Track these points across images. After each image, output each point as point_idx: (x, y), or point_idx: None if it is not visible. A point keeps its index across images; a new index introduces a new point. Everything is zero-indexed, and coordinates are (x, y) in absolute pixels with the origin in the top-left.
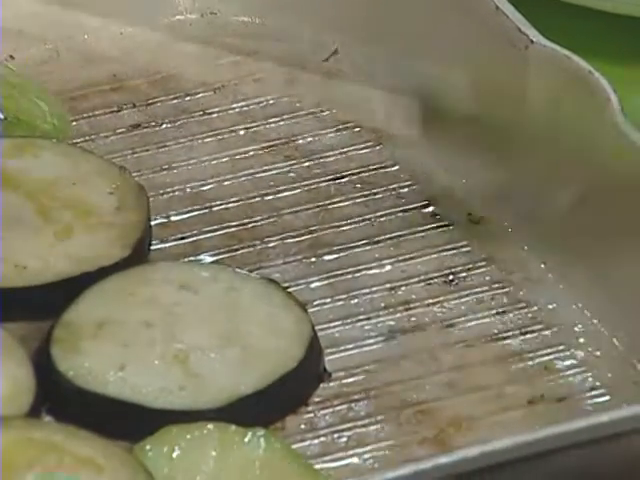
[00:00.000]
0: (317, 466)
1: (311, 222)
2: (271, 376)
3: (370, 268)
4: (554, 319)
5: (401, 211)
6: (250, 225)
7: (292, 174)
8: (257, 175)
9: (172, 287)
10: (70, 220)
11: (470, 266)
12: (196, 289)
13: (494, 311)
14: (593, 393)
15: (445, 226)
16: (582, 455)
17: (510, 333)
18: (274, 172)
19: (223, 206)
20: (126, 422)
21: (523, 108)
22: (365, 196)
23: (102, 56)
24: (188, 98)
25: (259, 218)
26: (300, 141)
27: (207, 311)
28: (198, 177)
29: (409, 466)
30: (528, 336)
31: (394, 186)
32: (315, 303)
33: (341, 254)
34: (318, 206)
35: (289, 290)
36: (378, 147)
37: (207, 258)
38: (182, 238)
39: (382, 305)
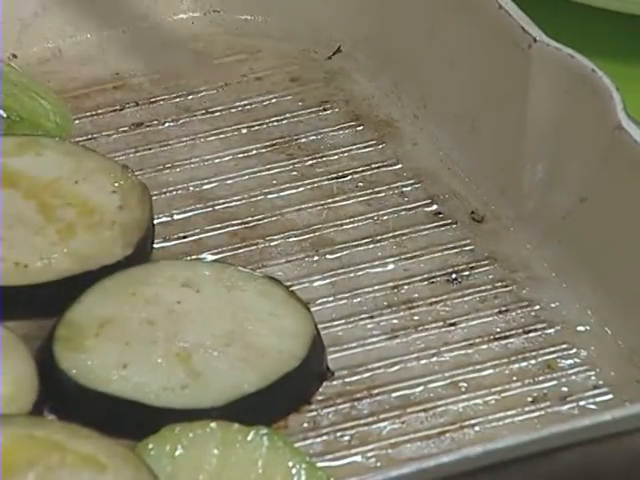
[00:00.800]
0: (320, 464)
1: (314, 220)
2: (274, 375)
3: (373, 267)
4: (557, 318)
5: (404, 209)
6: (253, 223)
7: (295, 172)
8: (260, 173)
9: (175, 285)
10: (72, 219)
11: (473, 265)
12: (199, 287)
13: (497, 310)
14: (596, 392)
15: (448, 224)
16: (585, 453)
17: (513, 332)
18: (277, 170)
19: (226, 205)
20: (128, 421)
21: (526, 107)
22: (368, 194)
23: (104, 55)
24: (191, 97)
25: (262, 216)
26: (303, 139)
27: (210, 310)
28: (201, 176)
29: (412, 465)
30: (531, 335)
31: (397, 184)
32: (318, 302)
33: (344, 252)
34: (321, 204)
35: (292, 289)
36: (381, 145)
37: (210, 257)
38: (185, 237)
39: (385, 304)
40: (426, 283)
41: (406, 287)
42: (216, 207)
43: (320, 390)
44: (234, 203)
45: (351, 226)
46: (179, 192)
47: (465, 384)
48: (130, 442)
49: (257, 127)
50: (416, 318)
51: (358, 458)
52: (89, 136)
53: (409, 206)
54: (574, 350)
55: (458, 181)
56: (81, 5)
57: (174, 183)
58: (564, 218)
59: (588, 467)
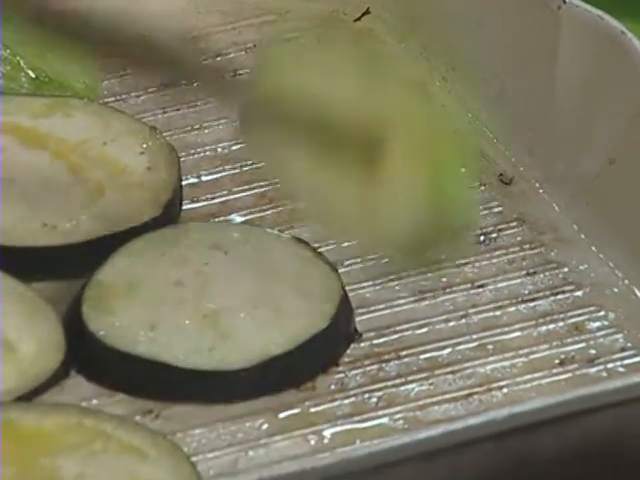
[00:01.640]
0: (348, 426)
1: None
2: (301, 336)
3: None
4: (585, 280)
5: None
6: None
7: None
8: None
9: (203, 247)
10: (101, 180)
11: (501, 226)
12: (226, 249)
13: (525, 272)
14: (624, 354)
15: (476, 186)
16: (613, 416)
17: (541, 294)
18: None
19: (253, 166)
20: (156, 382)
21: (555, 68)
22: None
23: (134, 16)
24: (219, 58)
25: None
26: None
27: (237, 271)
28: (229, 137)
29: (440, 427)
30: (559, 297)
31: None
32: (346, 263)
33: None
34: None
35: (319, 250)
36: None
37: (238, 218)
38: (213, 198)
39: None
40: None
41: None
42: (244, 168)
43: (348, 352)
44: (262, 164)
45: None
46: (207, 153)
47: (493, 346)
48: (157, 403)
49: None
50: (444, 280)
51: (385, 420)
52: (117, 97)
53: None
54: (602, 312)
55: (486, 143)
56: None
57: (202, 144)
58: (593, 180)
59: (616, 429)
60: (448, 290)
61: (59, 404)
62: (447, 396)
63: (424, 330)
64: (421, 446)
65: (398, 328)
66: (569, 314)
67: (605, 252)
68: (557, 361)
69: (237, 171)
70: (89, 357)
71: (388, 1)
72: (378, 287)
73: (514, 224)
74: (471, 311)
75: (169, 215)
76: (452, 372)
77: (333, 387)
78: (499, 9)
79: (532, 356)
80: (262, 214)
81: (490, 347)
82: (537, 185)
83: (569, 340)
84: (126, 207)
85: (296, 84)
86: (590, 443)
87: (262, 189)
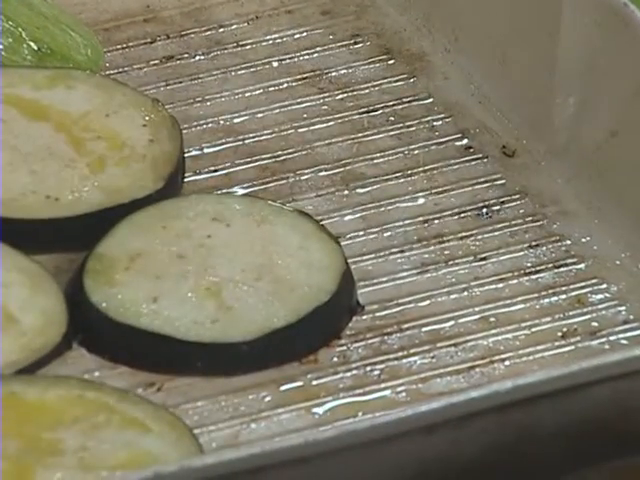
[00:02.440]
0: (350, 399)
1: (344, 155)
2: (303, 309)
3: (403, 201)
4: (588, 252)
5: (435, 144)
6: (283, 157)
7: (325, 106)
8: (290, 107)
9: (205, 219)
10: (103, 152)
11: (504, 199)
12: (229, 222)
13: (527, 244)
14: (626, 327)
15: (479, 159)
16: (615, 388)
17: (543, 266)
18: (307, 104)
19: (256, 138)
20: (158, 354)
21: (557, 40)
22: (398, 129)
23: None
24: (222, 30)
25: (292, 150)
26: (334, 73)
27: (240, 244)
28: (231, 109)
29: (442, 399)
30: (561, 269)
31: (428, 119)
32: (348, 236)
33: (374, 187)
34: (351, 139)
35: (322, 223)
36: (412, 79)
37: (240, 190)
38: (215, 170)
39: (415, 238)
40: (456, 217)
41: (436, 221)
42: (246, 141)
43: (350, 325)
44: (264, 137)
45: (381, 160)
46: (209, 126)
47: (495, 319)
48: (159, 376)
49: (288, 60)
50: (446, 252)
51: (388, 392)
52: (120, 69)
53: (440, 140)
54: (604, 285)
55: (489, 115)
56: None
57: (205, 116)
58: (595, 152)
59: (618, 402)
60: (450, 263)
61: (61, 377)
62: (449, 369)
63: (426, 303)
64: (423, 419)
65: (400, 301)
66: (571, 287)
67: (607, 225)
68: (559, 334)
69: (240, 143)
70: (91, 329)
71: None
72: (380, 260)
73: (517, 197)
74: (473, 284)
75: (171, 187)
76: (454, 345)
77: (335, 360)
78: None
79: (534, 329)
80: (264, 186)
81: (492, 320)
82: (539, 158)
83: (571, 313)
84: (128, 179)
85: None
86: (593, 415)
87: (265, 162)
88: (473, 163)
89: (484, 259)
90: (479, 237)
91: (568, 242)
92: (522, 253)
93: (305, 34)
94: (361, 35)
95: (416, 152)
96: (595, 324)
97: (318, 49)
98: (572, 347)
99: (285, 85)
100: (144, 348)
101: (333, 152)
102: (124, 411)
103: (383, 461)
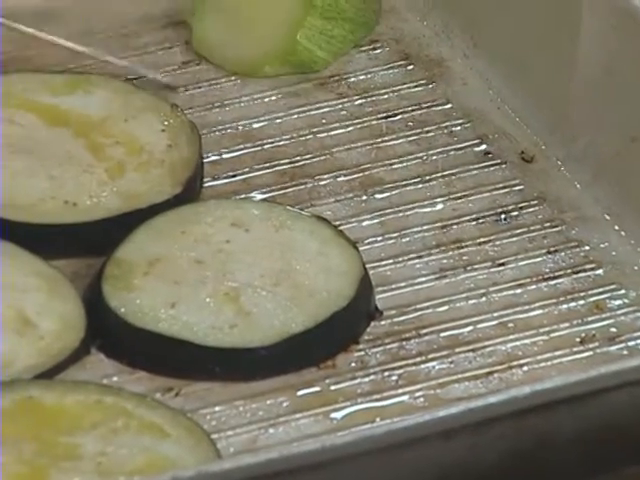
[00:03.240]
0: (368, 404)
1: (363, 160)
2: (322, 314)
3: (422, 206)
4: (606, 258)
5: (453, 149)
6: (301, 163)
7: (344, 112)
8: (309, 113)
9: (224, 225)
10: (121, 157)
11: (522, 205)
12: (247, 227)
13: (546, 250)
14: None
15: (497, 164)
16: (634, 394)
17: (562, 272)
18: (326, 110)
19: (275, 144)
20: (176, 359)
21: (576, 45)
22: (417, 134)
23: None
24: None
25: (310, 156)
26: (353, 79)
27: (258, 249)
28: (250, 114)
29: (460, 405)
30: (580, 275)
31: (446, 124)
32: (366, 241)
33: (393, 192)
34: (370, 144)
35: (340, 228)
36: (431, 85)
37: (258, 196)
38: (234, 176)
39: (433, 243)
40: (475, 223)
41: (455, 227)
42: (265, 146)
43: (368, 330)
44: (283, 142)
45: (400, 166)
46: (228, 131)
47: (513, 324)
48: (177, 381)
49: None
50: (465, 258)
51: (406, 398)
52: (138, 74)
53: (458, 146)
54: (623, 291)
55: (508, 121)
56: None
57: (223, 122)
58: (614, 158)
59: (636, 407)
60: (469, 268)
61: (80, 382)
62: (467, 374)
63: (445, 308)
64: (441, 424)
65: (419, 306)
66: (590, 292)
67: (626, 230)
68: (578, 339)
69: (258, 149)
70: (109, 334)
71: None
72: (399, 265)
73: (535, 202)
74: (492, 289)
75: (190, 193)
76: (473, 350)
77: (353, 365)
78: None
79: (553, 334)
80: (283, 192)
81: (511, 325)
82: (558, 163)
83: (590, 318)
84: (147, 185)
85: None
86: (611, 421)
87: (283, 167)
88: (492, 169)
89: (502, 264)
90: (497, 243)
91: (587, 248)
92: (540, 259)
93: None
94: (380, 40)
95: (434, 157)
96: (613, 330)
97: None
98: (590, 353)
99: (304, 91)
100: (162, 353)
101: (352, 157)
102: (142, 416)
103: (401, 467)
